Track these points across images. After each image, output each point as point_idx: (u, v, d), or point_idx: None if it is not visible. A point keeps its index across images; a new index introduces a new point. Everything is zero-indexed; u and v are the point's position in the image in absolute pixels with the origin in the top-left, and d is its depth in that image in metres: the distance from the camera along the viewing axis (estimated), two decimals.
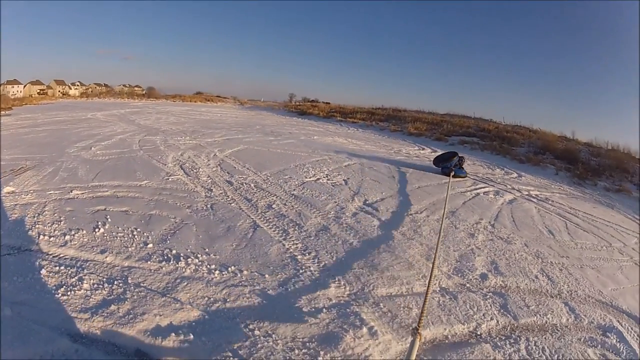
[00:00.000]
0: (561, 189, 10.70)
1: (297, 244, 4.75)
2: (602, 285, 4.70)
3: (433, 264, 3.87)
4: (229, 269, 3.96)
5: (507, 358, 3.14)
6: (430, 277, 3.59)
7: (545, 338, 3.49)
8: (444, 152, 10.91)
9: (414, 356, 2.46)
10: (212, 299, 3.41)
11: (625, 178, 12.76)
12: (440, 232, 4.93)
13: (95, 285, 3.42)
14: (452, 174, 8.90)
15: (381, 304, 3.63)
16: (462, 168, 9.56)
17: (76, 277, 3.52)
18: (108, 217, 4.92)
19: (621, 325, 3.86)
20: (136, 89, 27.94)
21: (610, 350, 3.46)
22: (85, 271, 3.64)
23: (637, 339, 3.69)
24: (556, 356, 3.26)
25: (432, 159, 10.27)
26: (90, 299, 3.22)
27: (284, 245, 4.67)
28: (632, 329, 3.85)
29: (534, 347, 3.32)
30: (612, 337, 3.64)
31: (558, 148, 15.64)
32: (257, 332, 3.04)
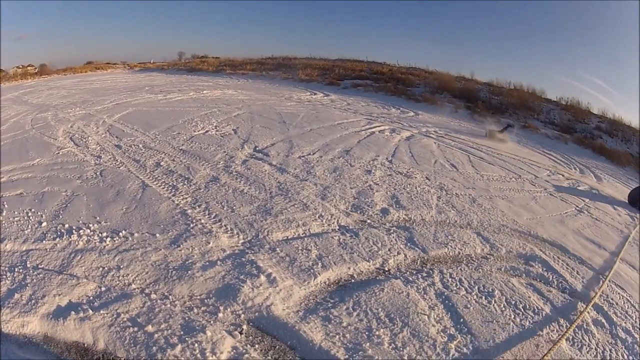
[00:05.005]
0: (461, 125, 11.18)
1: (186, 198, 4.63)
2: (516, 215, 4.90)
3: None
4: (120, 234, 3.79)
5: (422, 292, 3.12)
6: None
7: (460, 269, 3.51)
8: (635, 187, 7.83)
9: None
10: (106, 268, 3.26)
11: (530, 116, 13.60)
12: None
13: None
14: None
15: (278, 249, 3.60)
16: None
17: None
18: (5, 203, 4.53)
19: (545, 254, 3.97)
20: (29, 68, 25.37)
21: (539, 280, 3.52)
22: None
23: (566, 267, 3.78)
24: (476, 287, 3.27)
25: (627, 198, 7.26)
26: None
27: (173, 201, 4.53)
28: (558, 257, 3.96)
29: (449, 280, 3.32)
30: (537, 266, 3.72)
31: (456, 88, 16.29)
32: (153, 296, 2.92)
